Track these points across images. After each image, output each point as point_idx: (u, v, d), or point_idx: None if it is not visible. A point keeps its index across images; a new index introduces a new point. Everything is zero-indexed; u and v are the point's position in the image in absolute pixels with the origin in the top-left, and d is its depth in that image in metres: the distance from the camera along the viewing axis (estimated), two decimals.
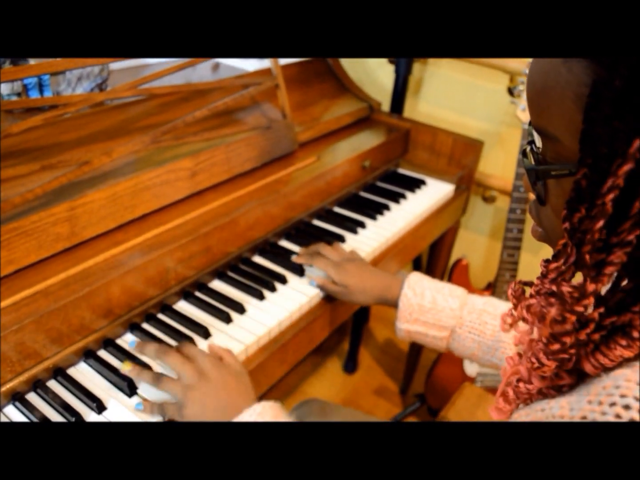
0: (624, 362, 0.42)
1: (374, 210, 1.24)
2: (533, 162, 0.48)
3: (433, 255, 1.63)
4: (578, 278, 0.45)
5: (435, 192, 1.37)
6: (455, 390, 1.31)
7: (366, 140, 1.36)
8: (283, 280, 0.99)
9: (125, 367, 0.74)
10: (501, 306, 0.88)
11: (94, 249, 0.84)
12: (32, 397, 0.73)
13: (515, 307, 0.52)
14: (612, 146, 0.38)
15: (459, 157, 1.44)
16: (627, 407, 0.37)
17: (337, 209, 1.25)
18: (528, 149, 0.49)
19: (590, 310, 0.44)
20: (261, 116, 1.21)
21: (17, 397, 0.72)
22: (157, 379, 0.72)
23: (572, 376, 0.47)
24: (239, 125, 1.15)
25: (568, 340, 0.45)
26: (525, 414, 0.50)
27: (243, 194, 1.04)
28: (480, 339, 0.87)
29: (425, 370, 1.74)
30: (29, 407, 0.71)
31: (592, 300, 0.43)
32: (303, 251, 1.03)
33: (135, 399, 0.74)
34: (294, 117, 1.24)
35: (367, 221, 1.21)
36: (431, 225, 1.33)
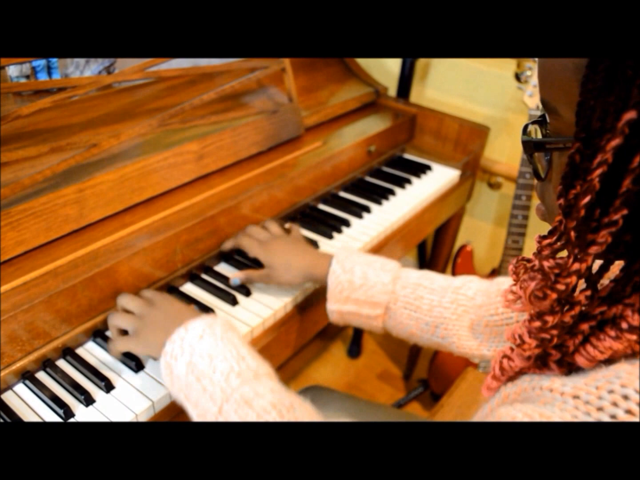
0: (624, 358, 0.41)
1: (380, 195, 1.25)
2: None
3: (438, 241, 1.63)
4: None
5: (440, 177, 1.37)
6: (458, 375, 1.32)
7: (372, 125, 1.36)
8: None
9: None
10: (438, 279, 0.83)
11: (102, 230, 0.85)
12: (42, 376, 0.74)
13: (515, 283, 0.50)
14: (604, 120, 0.36)
15: (465, 143, 1.44)
16: (625, 397, 0.36)
17: (342, 194, 1.26)
18: (530, 125, 0.48)
19: (577, 293, 0.43)
20: (268, 100, 1.21)
21: (27, 376, 0.73)
22: (110, 317, 0.77)
23: (561, 369, 0.46)
24: (246, 109, 1.16)
25: (550, 319, 0.44)
26: (512, 384, 0.49)
27: (249, 177, 1.05)
28: (417, 315, 0.80)
29: (428, 356, 1.75)
30: (39, 385, 0.72)
31: (574, 279, 0.41)
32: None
33: (141, 375, 0.75)
34: (300, 102, 1.24)
35: (373, 206, 1.21)
36: (436, 210, 1.33)
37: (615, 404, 0.36)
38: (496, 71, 1.58)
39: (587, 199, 0.38)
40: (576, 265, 0.41)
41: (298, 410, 0.61)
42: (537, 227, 1.63)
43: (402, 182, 1.31)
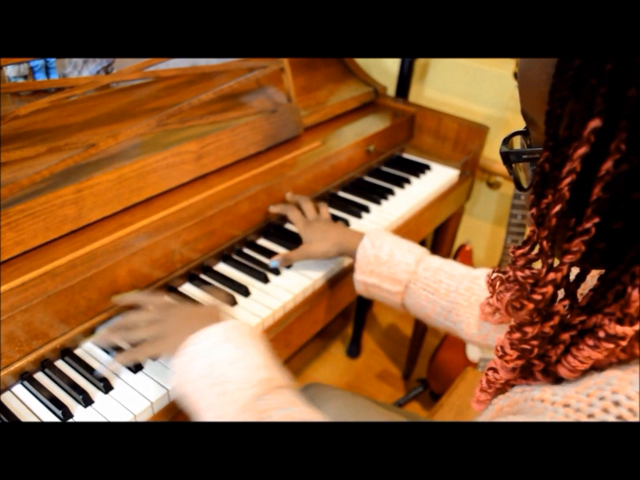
0: (616, 364, 0.40)
1: (379, 194, 1.25)
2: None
3: (437, 240, 1.63)
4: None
5: (439, 177, 1.37)
6: (457, 375, 1.32)
7: (371, 125, 1.36)
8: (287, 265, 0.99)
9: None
10: (459, 268, 0.85)
11: (101, 231, 0.85)
12: (40, 377, 0.74)
13: (492, 295, 0.50)
14: (571, 128, 0.36)
15: (464, 142, 1.44)
16: (616, 403, 0.35)
17: (341, 193, 1.25)
18: (511, 137, 0.48)
19: (556, 303, 0.43)
20: (266, 100, 1.21)
21: (25, 377, 0.73)
22: (128, 331, 0.73)
23: (547, 378, 0.45)
24: (244, 108, 1.16)
25: (530, 330, 0.44)
26: (505, 397, 0.49)
27: (248, 177, 1.05)
28: (434, 298, 0.84)
29: (428, 355, 1.76)
30: (37, 386, 0.72)
31: (550, 289, 0.41)
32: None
33: (140, 375, 0.75)
34: (299, 101, 1.24)
35: (372, 205, 1.21)
36: (435, 210, 1.33)
37: (606, 411, 0.35)
38: (495, 70, 1.58)
39: (557, 207, 0.38)
40: (551, 275, 0.40)
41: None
42: None
43: (401, 182, 1.31)
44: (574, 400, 0.38)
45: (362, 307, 1.90)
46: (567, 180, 0.37)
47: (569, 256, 0.39)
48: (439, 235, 1.62)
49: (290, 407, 0.59)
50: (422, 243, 1.85)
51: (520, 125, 0.48)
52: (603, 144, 0.35)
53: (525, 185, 0.47)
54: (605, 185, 0.36)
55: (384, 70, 1.76)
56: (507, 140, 0.48)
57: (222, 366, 0.62)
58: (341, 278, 1.01)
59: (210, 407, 0.62)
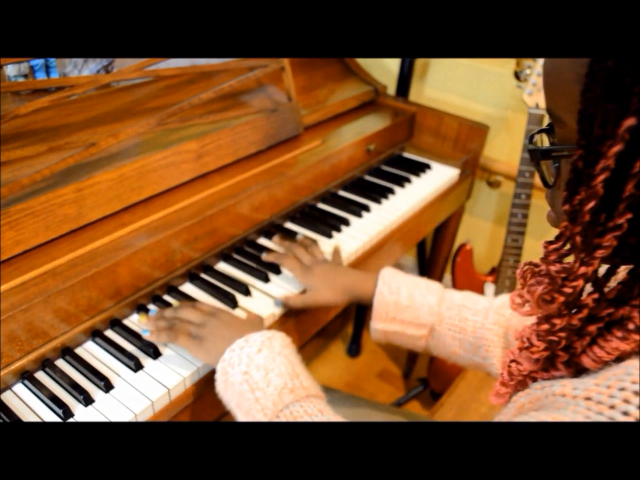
0: (634, 354, 0.41)
1: (379, 194, 1.25)
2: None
3: (437, 239, 1.63)
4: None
5: (440, 176, 1.37)
6: (457, 374, 1.32)
7: (371, 124, 1.36)
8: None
9: (142, 319, 0.82)
10: (481, 301, 0.84)
11: (101, 230, 0.85)
12: (41, 376, 0.74)
13: (522, 287, 0.51)
14: (605, 127, 0.37)
15: (464, 142, 1.44)
16: (636, 393, 0.36)
17: (342, 193, 1.25)
18: (536, 134, 0.49)
19: (584, 296, 0.44)
20: (267, 99, 1.21)
21: (26, 376, 0.73)
22: (172, 332, 0.77)
23: (569, 369, 0.46)
24: (245, 108, 1.15)
25: (558, 322, 0.45)
26: (525, 394, 0.50)
27: (248, 176, 1.04)
28: (461, 336, 0.82)
29: (428, 354, 1.75)
30: (38, 385, 0.72)
31: (581, 282, 0.42)
32: (274, 250, 1.00)
33: (141, 374, 0.75)
34: (300, 100, 1.24)
35: (372, 205, 1.21)
36: (436, 209, 1.33)
37: (627, 401, 0.36)
38: (495, 70, 1.58)
39: (591, 204, 0.39)
40: (583, 269, 0.42)
41: None
42: (537, 225, 1.63)
43: (401, 181, 1.31)
44: (594, 393, 0.38)
45: (362, 306, 1.90)
46: (601, 177, 0.38)
47: (600, 251, 0.40)
48: (439, 235, 1.62)
49: (318, 415, 0.64)
50: (423, 242, 1.85)
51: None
52: (637, 141, 0.36)
53: (550, 182, 0.49)
54: (638, 182, 0.37)
55: (384, 69, 1.76)
56: (532, 138, 0.50)
57: (256, 374, 0.67)
58: None
59: (246, 413, 0.67)
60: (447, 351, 0.85)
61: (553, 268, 0.44)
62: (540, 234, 1.68)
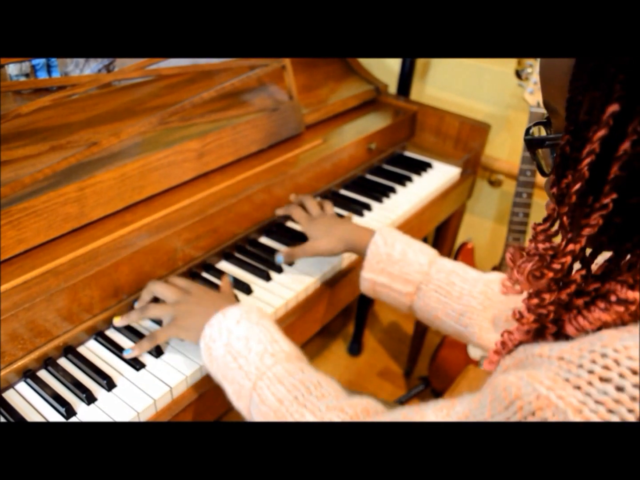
0: (614, 326, 0.44)
1: (380, 192, 1.25)
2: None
3: (438, 238, 1.63)
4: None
5: (441, 175, 1.37)
6: (459, 373, 1.32)
7: (373, 123, 1.36)
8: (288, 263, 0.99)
9: (116, 319, 0.81)
10: (472, 272, 0.85)
11: (103, 229, 0.85)
12: (43, 375, 0.74)
13: (512, 269, 0.54)
14: (590, 113, 0.40)
15: (466, 140, 1.44)
16: (604, 355, 0.38)
17: (343, 191, 1.26)
18: (533, 127, 0.51)
19: (573, 272, 0.46)
20: (268, 98, 1.21)
21: (28, 374, 0.73)
22: (144, 309, 0.80)
23: (557, 340, 0.48)
24: (246, 107, 1.16)
25: (547, 297, 0.47)
26: (510, 357, 0.52)
27: (250, 175, 1.05)
28: (445, 300, 0.83)
29: (429, 353, 1.76)
30: (41, 383, 0.72)
31: (569, 259, 0.45)
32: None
33: (142, 373, 0.75)
34: (301, 99, 1.24)
35: (373, 203, 1.21)
36: (437, 208, 1.33)
37: (593, 361, 0.38)
38: (497, 68, 1.58)
39: (577, 186, 0.42)
40: (570, 247, 0.44)
41: (325, 386, 0.66)
42: None
43: (402, 180, 1.31)
44: (567, 354, 0.40)
45: (364, 305, 1.90)
46: (587, 160, 0.40)
47: (587, 229, 0.42)
48: (440, 233, 1.62)
49: (301, 373, 0.67)
50: (424, 241, 1.85)
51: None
52: (621, 127, 0.38)
53: (547, 170, 0.51)
54: (622, 164, 0.39)
55: (386, 68, 1.75)
56: (528, 130, 0.52)
57: (237, 344, 0.70)
58: (343, 276, 1.01)
59: (231, 382, 0.69)
60: (430, 315, 0.86)
61: (542, 246, 0.47)
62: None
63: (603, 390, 0.36)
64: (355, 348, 1.94)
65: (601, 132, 0.39)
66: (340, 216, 1.12)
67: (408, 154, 1.46)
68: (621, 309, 0.43)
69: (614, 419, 0.35)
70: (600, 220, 0.42)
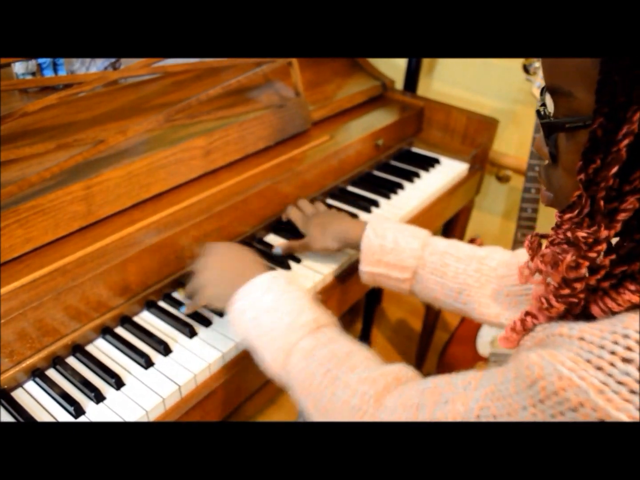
0: (632, 309, 0.44)
1: (388, 189, 1.24)
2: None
3: (446, 234, 1.62)
4: None
5: (449, 171, 1.36)
6: (467, 369, 1.31)
7: (379, 119, 1.35)
8: (297, 259, 0.99)
9: (180, 292, 0.88)
10: (464, 248, 0.87)
11: (110, 227, 0.85)
12: (52, 373, 0.74)
13: (531, 258, 0.54)
14: (630, 94, 0.39)
15: (473, 136, 1.43)
16: (626, 336, 0.38)
17: (350, 188, 1.25)
18: (541, 109, 0.50)
19: (601, 257, 0.46)
20: (274, 94, 1.20)
21: (37, 373, 0.73)
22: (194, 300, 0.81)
23: (577, 320, 0.48)
24: (252, 103, 1.15)
25: (579, 286, 0.47)
26: (530, 337, 0.53)
27: (256, 172, 1.04)
28: (442, 281, 0.85)
29: (437, 350, 1.75)
30: (49, 382, 0.72)
31: (604, 246, 0.44)
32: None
33: (151, 371, 0.75)
34: (307, 96, 1.23)
35: (381, 200, 1.20)
36: (445, 204, 1.33)
37: (615, 342, 0.38)
38: (504, 63, 1.57)
39: (615, 169, 0.41)
40: (605, 233, 0.44)
41: (355, 356, 0.66)
42: (547, 219, 1.62)
43: (410, 176, 1.30)
44: (587, 334, 0.41)
45: (371, 302, 1.89)
46: (625, 141, 0.40)
47: (622, 214, 0.42)
48: (448, 230, 1.61)
49: (331, 344, 0.66)
50: None
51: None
52: None
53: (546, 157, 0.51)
54: None
55: (392, 63, 1.75)
56: (540, 113, 0.51)
57: (265, 317, 0.69)
58: (352, 272, 1.01)
59: (265, 354, 0.69)
60: (430, 296, 0.88)
61: (581, 234, 0.46)
62: (550, 228, 1.67)
63: (625, 371, 0.37)
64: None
65: None
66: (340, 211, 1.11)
67: (415, 150, 1.45)
68: None
69: (636, 400, 0.36)
70: (637, 203, 0.41)
